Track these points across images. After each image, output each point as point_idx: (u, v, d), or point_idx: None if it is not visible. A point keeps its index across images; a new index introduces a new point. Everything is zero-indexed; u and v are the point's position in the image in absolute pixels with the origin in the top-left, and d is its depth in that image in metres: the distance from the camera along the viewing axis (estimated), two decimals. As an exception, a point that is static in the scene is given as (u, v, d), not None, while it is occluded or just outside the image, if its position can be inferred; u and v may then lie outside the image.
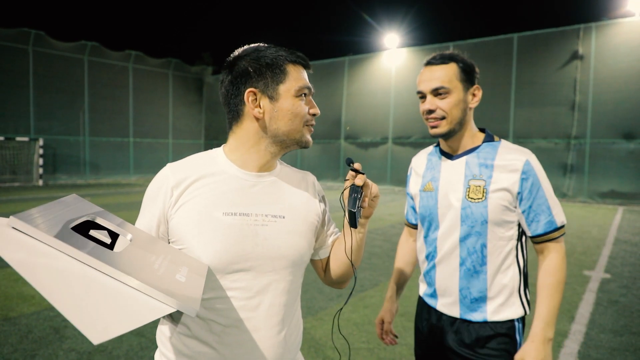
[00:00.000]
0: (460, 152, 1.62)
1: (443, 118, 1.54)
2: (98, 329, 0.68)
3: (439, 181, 1.64)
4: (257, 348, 1.11)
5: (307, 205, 1.23)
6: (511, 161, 1.52)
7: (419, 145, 18.87)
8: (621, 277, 5.65)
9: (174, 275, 0.93)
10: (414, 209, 1.85)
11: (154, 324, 3.91)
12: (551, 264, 1.52)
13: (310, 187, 1.28)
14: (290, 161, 20.50)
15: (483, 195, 1.52)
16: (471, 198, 1.54)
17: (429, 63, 1.59)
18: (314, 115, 1.17)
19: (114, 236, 0.97)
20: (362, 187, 1.13)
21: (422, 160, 1.78)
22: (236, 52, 1.19)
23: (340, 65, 21.33)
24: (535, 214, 1.51)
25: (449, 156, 1.65)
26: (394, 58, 19.82)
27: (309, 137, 1.18)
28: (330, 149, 21.36)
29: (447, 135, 1.58)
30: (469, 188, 1.55)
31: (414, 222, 1.87)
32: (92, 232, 0.92)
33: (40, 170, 18.22)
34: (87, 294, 0.76)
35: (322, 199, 1.31)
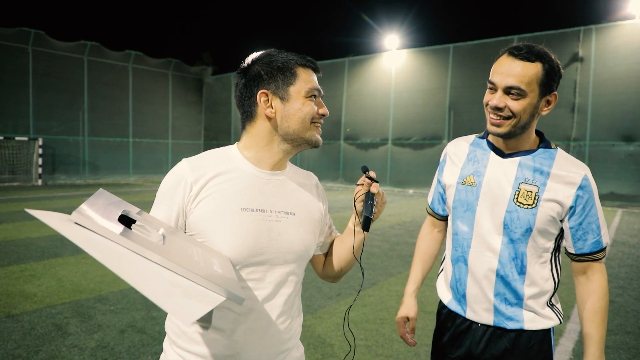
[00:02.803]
0: (514, 151, 1.50)
1: (509, 118, 1.41)
2: (184, 312, 0.76)
3: (483, 176, 1.51)
4: (266, 335, 1.19)
5: (312, 203, 1.32)
6: (570, 173, 1.43)
7: (419, 146, 18.92)
8: (617, 278, 5.70)
9: (212, 266, 0.99)
10: (442, 198, 1.70)
11: (155, 320, 3.94)
12: (600, 287, 1.46)
13: (314, 187, 1.36)
14: (290, 161, 20.66)
15: (534, 202, 1.42)
16: (520, 202, 1.44)
17: (512, 53, 1.40)
18: (322, 115, 1.23)
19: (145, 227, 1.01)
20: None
21: (462, 150, 1.63)
22: (250, 58, 1.26)
23: (340, 66, 21.37)
24: (584, 232, 1.44)
25: (500, 153, 1.52)
26: (394, 59, 19.87)
27: (318, 137, 1.24)
28: (330, 150, 21.40)
29: (505, 136, 1.45)
30: (519, 191, 1.44)
31: (441, 212, 1.73)
32: (134, 227, 0.97)
33: (40, 170, 18.24)
34: (162, 285, 0.83)
35: (324, 199, 1.40)
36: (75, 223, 0.86)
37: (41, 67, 19.09)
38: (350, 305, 1.48)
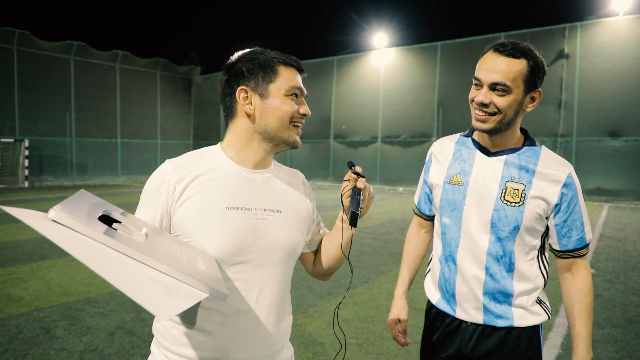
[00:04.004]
0: (499, 149, 1.51)
1: (494, 114, 1.41)
2: (162, 308, 0.76)
3: (470, 175, 1.52)
4: (254, 336, 1.18)
5: (299, 200, 1.31)
6: (554, 171, 1.44)
7: (408, 144, 19.00)
8: (605, 272, 5.78)
9: (196, 264, 0.98)
10: (429, 198, 1.71)
11: (144, 322, 3.91)
12: (585, 284, 1.48)
13: (300, 185, 1.35)
14: (280, 161, 20.70)
15: (521, 200, 1.43)
16: (507, 201, 1.44)
17: (497, 50, 1.41)
18: (303, 115, 1.22)
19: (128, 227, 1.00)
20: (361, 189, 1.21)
21: (447, 149, 1.63)
22: (235, 55, 1.25)
23: (329, 64, 21.37)
24: (568, 229, 1.46)
25: (486, 151, 1.53)
26: (382, 57, 19.92)
27: (296, 138, 1.23)
28: (320, 149, 21.40)
29: (490, 132, 1.46)
30: (506, 189, 1.45)
31: (427, 212, 1.73)
32: (116, 226, 0.96)
33: (26, 172, 17.99)
34: (139, 277, 0.82)
35: (311, 196, 1.39)
36: (53, 220, 0.84)
37: (27, 67, 18.82)
38: (340, 303, 1.47)
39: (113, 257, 0.83)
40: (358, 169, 1.23)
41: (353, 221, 1.20)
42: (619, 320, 4.10)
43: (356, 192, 1.21)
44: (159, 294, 0.80)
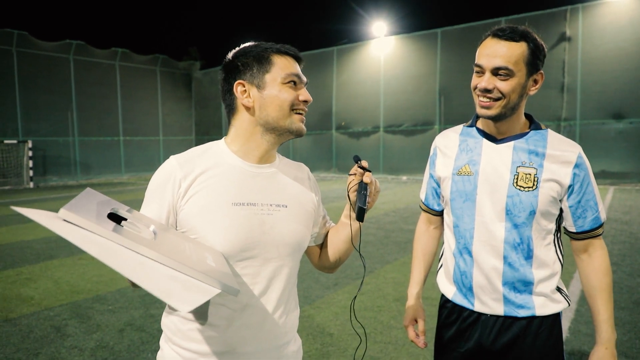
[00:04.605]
0: (506, 136, 1.49)
1: (498, 99, 1.40)
2: (183, 301, 0.78)
3: (479, 165, 1.49)
4: (262, 329, 1.18)
5: (304, 195, 1.30)
6: (564, 152, 1.43)
7: (410, 133, 18.94)
8: (611, 255, 5.77)
9: (205, 260, 0.99)
10: (437, 192, 1.68)
11: (153, 318, 3.95)
12: (604, 264, 1.47)
13: (306, 178, 1.35)
14: (282, 153, 20.79)
15: (534, 184, 1.42)
16: (520, 186, 1.42)
17: (496, 35, 1.41)
18: (305, 102, 1.21)
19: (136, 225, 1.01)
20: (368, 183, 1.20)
21: (452, 141, 1.61)
22: (231, 53, 1.25)
23: (329, 55, 21.28)
24: (583, 209, 1.45)
25: (493, 139, 1.51)
26: (382, 46, 19.79)
27: (300, 125, 1.21)
28: (322, 140, 21.38)
29: (495, 118, 1.44)
30: (517, 175, 1.43)
31: (436, 207, 1.70)
32: (124, 224, 0.96)
33: (31, 173, 18.08)
34: (156, 273, 0.84)
35: (317, 190, 1.38)
36: (64, 220, 0.85)
37: (27, 68, 18.84)
38: (355, 297, 1.46)
39: (126, 255, 0.84)
40: (364, 163, 1.23)
41: (360, 216, 1.20)
42: (626, 302, 4.10)
43: (363, 186, 1.20)
44: (178, 288, 0.81)
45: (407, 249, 6.35)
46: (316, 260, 1.41)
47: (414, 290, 1.71)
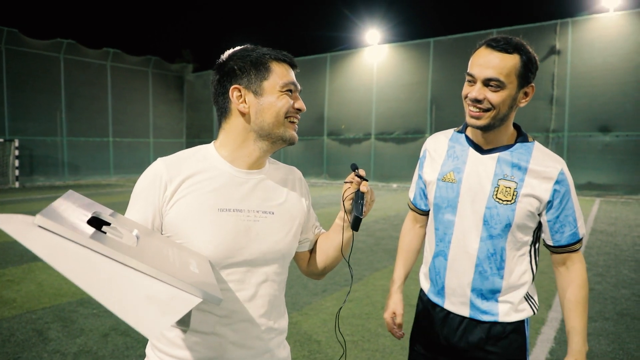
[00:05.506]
0: (492, 147, 1.51)
1: (488, 110, 1.41)
2: (150, 325, 0.71)
3: (463, 173, 1.53)
4: (249, 336, 1.17)
5: (293, 201, 1.29)
6: (547, 168, 1.45)
7: (402, 140, 19.03)
8: (596, 266, 5.84)
9: (188, 267, 0.96)
10: (424, 193, 1.72)
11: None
12: (580, 277, 1.49)
13: (296, 184, 1.34)
14: (274, 158, 20.77)
15: (513, 198, 1.44)
16: (499, 199, 1.45)
17: (489, 45, 1.41)
18: (299, 110, 1.20)
19: (118, 229, 0.96)
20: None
21: (441, 146, 1.64)
22: (225, 54, 1.23)
23: (322, 61, 21.33)
24: (561, 224, 1.47)
25: (479, 149, 1.53)
26: (375, 54, 19.91)
27: (293, 133, 1.21)
28: (314, 146, 21.38)
29: (484, 129, 1.45)
30: (498, 188, 1.46)
31: (423, 207, 1.74)
32: (106, 229, 0.92)
33: (17, 172, 17.78)
34: (131, 292, 0.77)
35: (307, 195, 1.37)
36: (39, 226, 0.79)
37: (16, 66, 18.59)
38: (340, 308, 1.46)
39: (102, 266, 0.79)
40: (362, 172, 1.22)
41: (355, 225, 1.18)
42: (610, 313, 4.14)
43: (360, 195, 1.19)
44: (153, 312, 0.75)
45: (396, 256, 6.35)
46: (304, 266, 1.40)
47: (395, 284, 1.79)
